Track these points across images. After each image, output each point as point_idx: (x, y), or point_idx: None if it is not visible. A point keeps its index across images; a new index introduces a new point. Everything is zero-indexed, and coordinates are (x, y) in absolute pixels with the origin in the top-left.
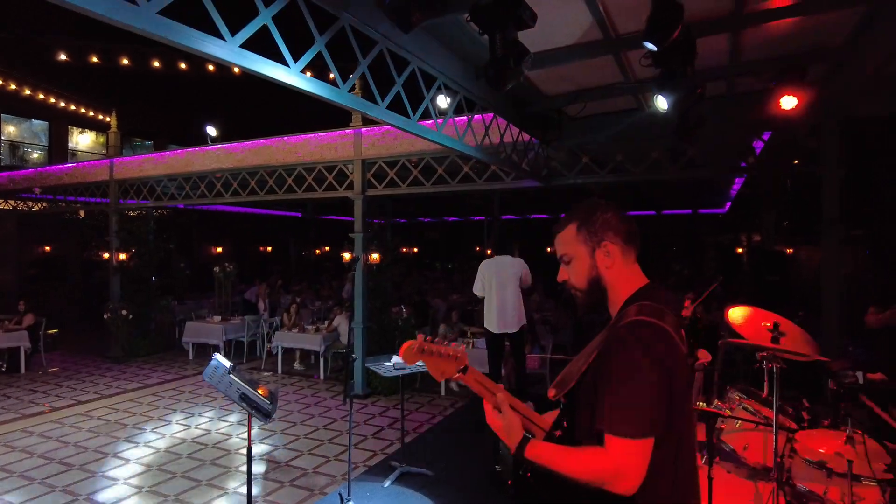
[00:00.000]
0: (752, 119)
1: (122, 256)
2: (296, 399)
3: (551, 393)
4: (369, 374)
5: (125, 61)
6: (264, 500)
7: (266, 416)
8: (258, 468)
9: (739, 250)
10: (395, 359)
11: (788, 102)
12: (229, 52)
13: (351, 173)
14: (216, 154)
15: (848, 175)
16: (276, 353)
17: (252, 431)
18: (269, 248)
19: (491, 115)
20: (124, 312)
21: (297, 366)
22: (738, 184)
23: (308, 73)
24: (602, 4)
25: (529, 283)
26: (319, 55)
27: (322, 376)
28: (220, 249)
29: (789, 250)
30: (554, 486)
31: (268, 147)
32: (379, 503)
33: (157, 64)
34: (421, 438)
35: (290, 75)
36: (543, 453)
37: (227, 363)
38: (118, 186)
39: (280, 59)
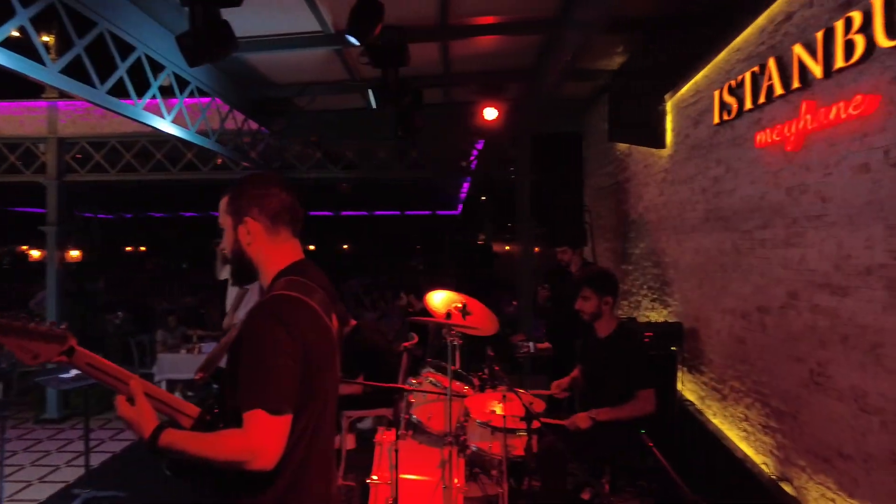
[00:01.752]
0: (466, 127)
1: None
2: None
3: (198, 376)
4: (68, 393)
5: None
6: None
7: None
8: None
9: (469, 248)
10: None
11: (490, 114)
12: None
13: (43, 154)
14: None
15: (536, 181)
16: None
17: None
18: None
19: (209, 98)
20: None
21: None
22: (465, 188)
23: None
24: None
25: None
26: None
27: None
28: None
29: (507, 247)
30: (192, 471)
31: None
32: None
33: None
34: (117, 459)
35: None
36: (178, 440)
37: None
38: None
39: None
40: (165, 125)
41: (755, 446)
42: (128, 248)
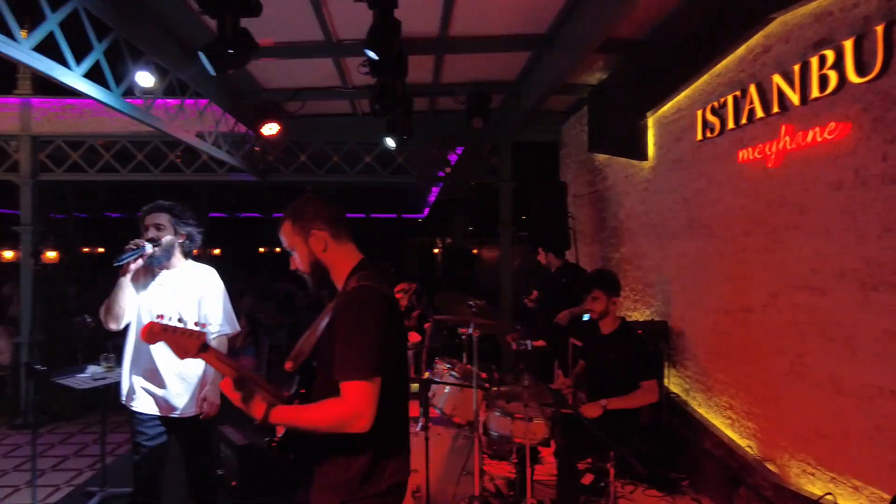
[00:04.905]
0: (449, 134)
1: None
2: None
3: (288, 365)
4: (46, 398)
5: None
6: None
7: None
8: None
9: (436, 251)
10: (94, 368)
11: (475, 123)
12: None
13: (15, 152)
14: None
15: (517, 188)
16: None
17: None
18: None
19: (206, 101)
20: None
21: None
22: (435, 192)
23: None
24: (326, 8)
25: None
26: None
27: None
28: None
29: (475, 250)
30: (298, 445)
31: None
32: None
33: None
34: (124, 459)
35: None
36: (287, 414)
37: None
38: None
39: None
40: (166, 127)
41: (740, 431)
42: (84, 250)
